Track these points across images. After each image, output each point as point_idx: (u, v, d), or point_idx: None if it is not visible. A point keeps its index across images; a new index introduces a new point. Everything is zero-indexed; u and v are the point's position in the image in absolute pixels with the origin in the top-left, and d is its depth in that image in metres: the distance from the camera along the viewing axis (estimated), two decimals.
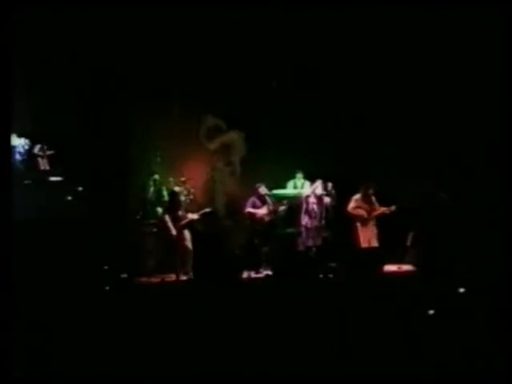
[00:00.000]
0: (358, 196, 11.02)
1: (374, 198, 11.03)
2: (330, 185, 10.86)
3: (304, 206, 10.94)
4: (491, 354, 5.20)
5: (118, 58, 10.85)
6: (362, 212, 10.97)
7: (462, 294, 7.51)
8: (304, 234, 10.96)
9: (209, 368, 5.16)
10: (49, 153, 10.43)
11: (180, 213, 10.35)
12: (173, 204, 10.39)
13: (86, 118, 10.90)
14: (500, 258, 8.19)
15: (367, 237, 10.97)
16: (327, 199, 10.88)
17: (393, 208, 10.84)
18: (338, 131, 11.95)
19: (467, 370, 4.98)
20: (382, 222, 11.07)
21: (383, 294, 7.77)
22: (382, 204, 11.01)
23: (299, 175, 11.47)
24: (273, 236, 10.90)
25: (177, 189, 10.65)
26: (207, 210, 10.69)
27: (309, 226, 10.89)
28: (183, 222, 10.33)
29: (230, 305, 7.25)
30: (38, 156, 10.38)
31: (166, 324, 6.37)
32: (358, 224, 10.96)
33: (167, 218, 10.25)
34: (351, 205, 10.99)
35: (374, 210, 11.01)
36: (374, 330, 5.97)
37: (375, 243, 10.98)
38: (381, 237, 11.02)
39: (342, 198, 11.06)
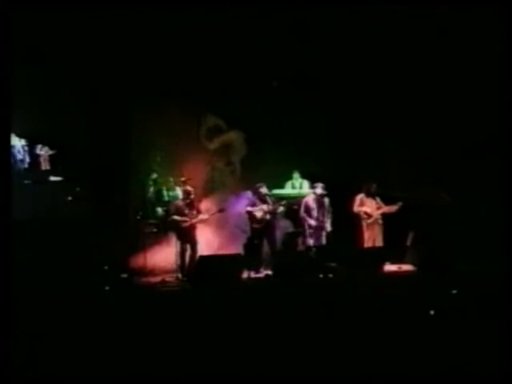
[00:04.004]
0: (361, 195, 11.09)
1: (378, 198, 11.07)
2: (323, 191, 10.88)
3: (304, 206, 10.93)
4: (491, 353, 5.20)
5: (118, 57, 10.83)
6: (368, 210, 11.00)
7: (462, 293, 7.51)
8: (304, 234, 10.96)
9: (208, 368, 5.16)
10: (51, 153, 10.46)
11: (192, 212, 10.36)
12: (186, 203, 10.39)
13: (87, 118, 10.89)
14: (500, 258, 8.20)
15: (372, 236, 11.00)
16: (327, 199, 10.89)
17: (399, 204, 10.85)
18: (338, 131, 11.95)
19: (467, 369, 4.98)
20: (383, 222, 11.10)
21: (383, 294, 7.78)
22: (386, 204, 11.05)
23: (296, 175, 11.47)
24: (273, 236, 10.88)
25: (188, 189, 10.63)
26: (217, 210, 10.70)
27: (309, 225, 10.88)
28: (193, 221, 10.34)
29: (230, 304, 7.26)
30: (39, 156, 10.40)
31: (167, 324, 6.38)
32: (364, 223, 11.00)
33: (176, 217, 10.28)
34: (356, 204, 11.04)
35: (380, 208, 11.04)
36: (374, 330, 5.98)
37: (380, 243, 10.99)
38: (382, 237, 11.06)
39: (342, 198, 11.07)
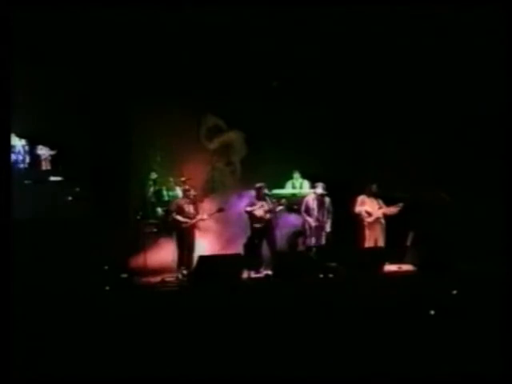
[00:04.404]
0: (362, 196, 11.09)
1: (380, 200, 11.08)
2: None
3: (304, 205, 10.94)
4: (492, 353, 5.20)
5: (118, 57, 10.84)
6: (370, 210, 11.00)
7: (462, 293, 7.52)
8: (305, 234, 10.96)
9: (208, 368, 5.16)
10: (51, 153, 10.47)
11: (191, 211, 10.37)
12: (187, 201, 10.40)
13: (87, 118, 10.90)
14: (500, 258, 8.21)
15: (373, 235, 10.99)
16: (327, 199, 10.89)
17: (400, 205, 10.85)
18: (338, 131, 11.96)
19: (467, 369, 4.98)
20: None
21: (383, 294, 7.79)
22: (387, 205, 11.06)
23: (296, 175, 11.48)
24: (273, 236, 10.87)
25: (187, 187, 10.63)
26: (216, 210, 10.69)
27: (309, 225, 10.88)
28: (193, 220, 10.35)
29: (230, 304, 7.26)
30: (40, 156, 10.42)
31: (167, 324, 6.38)
32: (365, 222, 10.99)
33: (178, 216, 10.28)
34: (358, 203, 11.04)
35: (381, 208, 11.05)
36: (374, 329, 5.98)
37: (382, 242, 10.99)
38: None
39: (342, 198, 11.07)
